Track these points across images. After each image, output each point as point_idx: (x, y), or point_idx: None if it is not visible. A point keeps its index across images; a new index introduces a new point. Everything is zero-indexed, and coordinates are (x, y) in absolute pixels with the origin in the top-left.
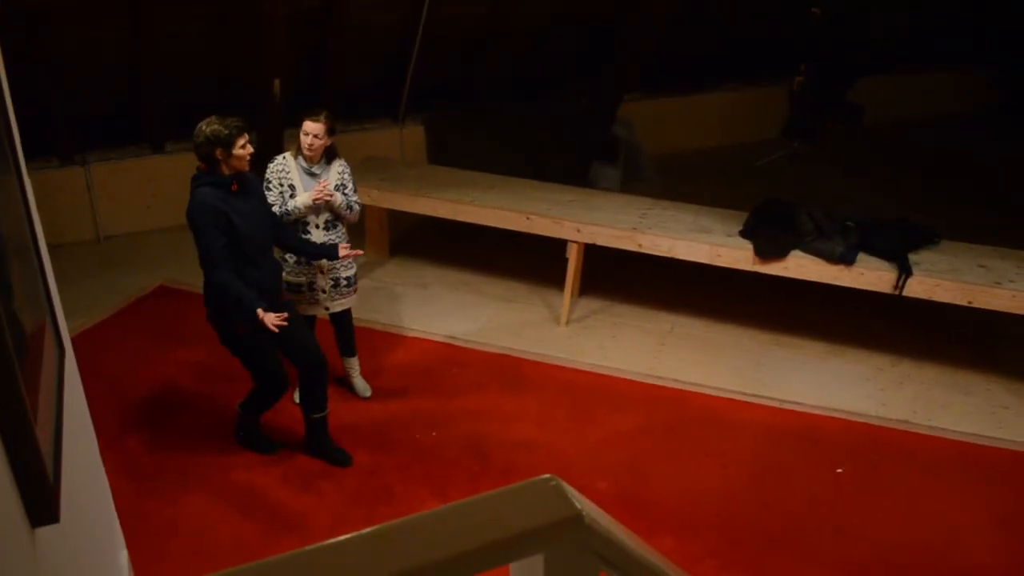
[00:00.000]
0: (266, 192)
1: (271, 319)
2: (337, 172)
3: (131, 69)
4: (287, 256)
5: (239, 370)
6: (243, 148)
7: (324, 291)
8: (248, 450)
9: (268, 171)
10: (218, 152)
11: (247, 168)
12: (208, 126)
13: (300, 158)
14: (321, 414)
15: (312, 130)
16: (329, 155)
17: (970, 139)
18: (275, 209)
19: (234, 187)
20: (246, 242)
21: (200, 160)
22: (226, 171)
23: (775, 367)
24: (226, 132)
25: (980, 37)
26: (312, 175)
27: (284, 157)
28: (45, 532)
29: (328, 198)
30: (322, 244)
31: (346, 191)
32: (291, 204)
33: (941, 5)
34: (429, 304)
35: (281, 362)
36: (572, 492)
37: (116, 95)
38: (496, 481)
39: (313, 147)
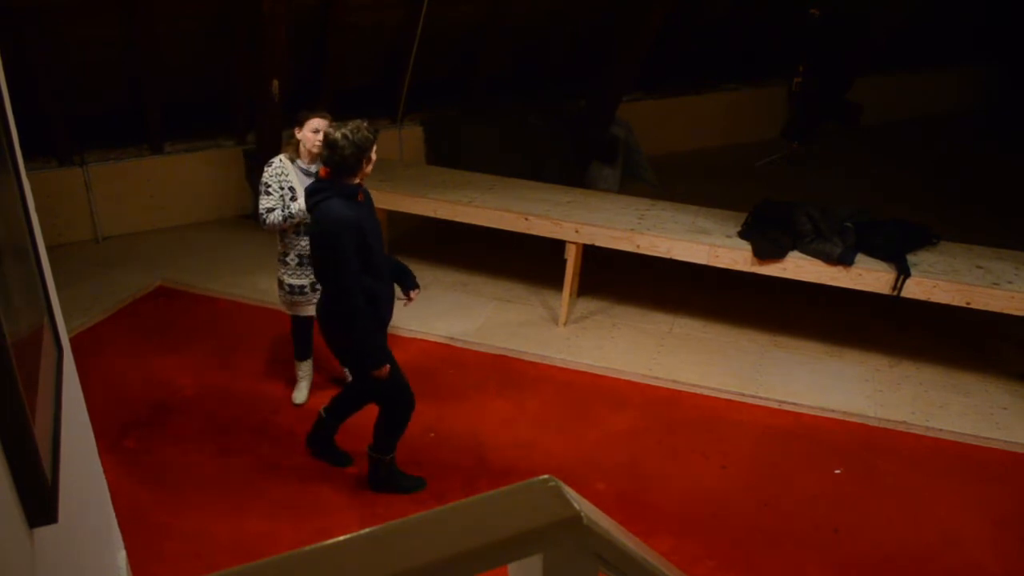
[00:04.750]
0: (266, 196)
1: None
2: None
3: (130, 69)
4: (288, 259)
5: (236, 371)
6: (375, 152)
7: None
8: (395, 491)
9: (265, 175)
10: (364, 160)
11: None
12: (355, 133)
13: (297, 160)
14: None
15: (322, 126)
16: None
17: (969, 139)
18: (277, 213)
19: (360, 197)
20: (373, 254)
21: (338, 171)
22: (358, 180)
23: (773, 368)
24: (372, 137)
25: (980, 37)
26: (310, 175)
27: (280, 159)
28: (43, 532)
29: None
30: (405, 270)
31: None
32: (293, 207)
33: (941, 5)
34: (427, 304)
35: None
36: (570, 493)
37: (115, 95)
38: (494, 482)
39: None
